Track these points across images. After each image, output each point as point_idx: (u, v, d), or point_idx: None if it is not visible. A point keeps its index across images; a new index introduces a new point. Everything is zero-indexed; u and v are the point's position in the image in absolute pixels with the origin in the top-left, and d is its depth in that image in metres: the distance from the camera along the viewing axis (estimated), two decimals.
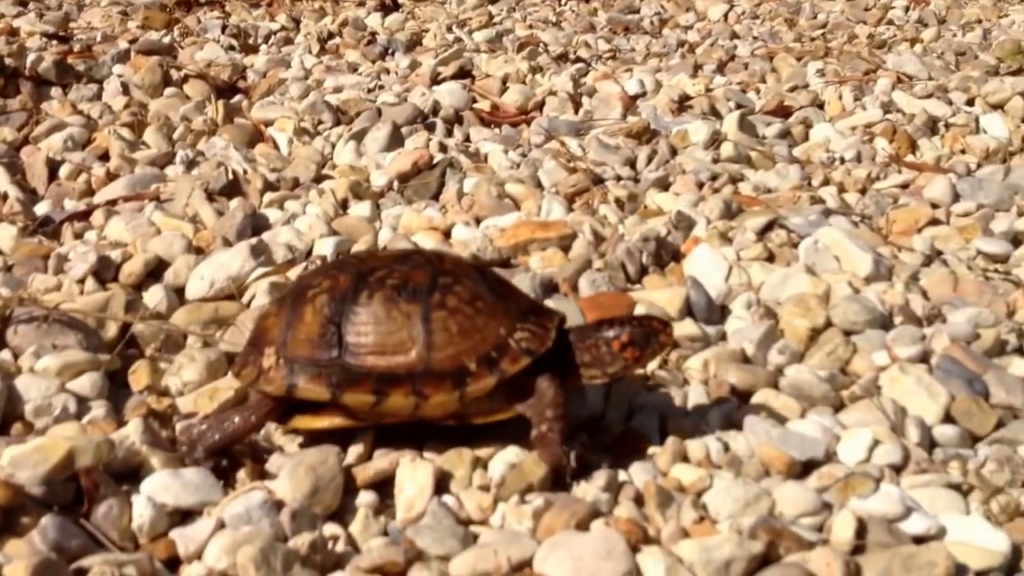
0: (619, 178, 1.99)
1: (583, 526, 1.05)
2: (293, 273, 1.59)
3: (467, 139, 2.28)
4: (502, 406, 1.16)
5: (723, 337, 1.45)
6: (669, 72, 2.70)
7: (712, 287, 1.56)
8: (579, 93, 2.49)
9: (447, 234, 1.76)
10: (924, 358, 1.36)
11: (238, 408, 1.20)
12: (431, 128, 2.29)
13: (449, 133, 2.30)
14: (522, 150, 2.16)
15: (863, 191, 2.01)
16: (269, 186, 1.96)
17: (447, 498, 1.12)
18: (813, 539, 1.05)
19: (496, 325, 1.15)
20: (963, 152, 2.24)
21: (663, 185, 1.97)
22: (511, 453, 1.16)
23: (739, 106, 2.44)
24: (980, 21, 3.36)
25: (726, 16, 3.41)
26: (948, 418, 1.27)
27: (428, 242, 1.71)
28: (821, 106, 2.50)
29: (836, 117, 2.43)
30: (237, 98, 2.51)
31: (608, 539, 1.01)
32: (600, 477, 1.12)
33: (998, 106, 2.45)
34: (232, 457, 1.17)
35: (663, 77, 2.65)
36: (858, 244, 1.65)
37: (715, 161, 2.11)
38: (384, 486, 1.14)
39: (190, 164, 2.07)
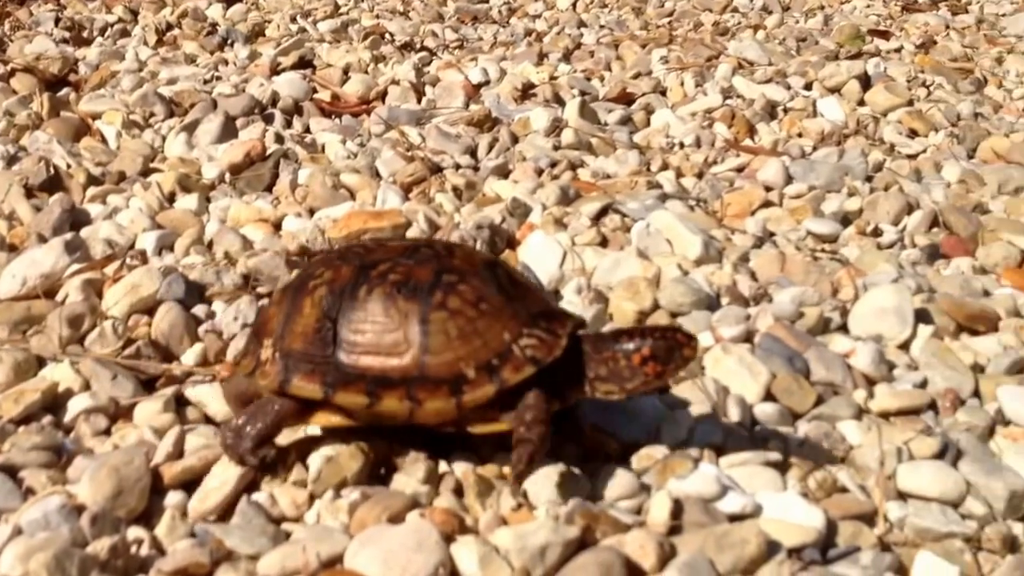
0: (458, 166, 1.97)
1: (398, 519, 1.03)
2: (110, 269, 1.52)
3: (307, 130, 2.23)
4: (497, 416, 1.09)
5: None
6: (514, 61, 2.69)
7: (545, 273, 1.55)
8: (422, 82, 2.46)
9: (277, 226, 1.71)
10: (748, 338, 1.38)
11: (259, 404, 1.12)
12: (269, 119, 2.23)
13: (288, 124, 2.24)
14: (361, 140, 2.12)
15: (700, 175, 2.03)
16: (93, 180, 1.87)
17: (259, 495, 1.08)
18: (630, 522, 1.04)
19: (500, 329, 1.08)
20: (800, 135, 2.29)
21: (503, 173, 1.96)
22: (329, 447, 1.12)
23: (583, 93, 2.45)
24: (822, 7, 3.44)
25: (574, 5, 3.42)
26: (769, 396, 1.28)
27: (257, 234, 1.66)
28: (664, 93, 2.52)
29: (678, 103, 2.45)
30: (65, 91, 2.40)
31: (420, 531, 0.99)
32: (420, 469, 1.10)
33: (835, 90, 2.51)
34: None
35: (508, 66, 2.63)
36: (689, 227, 1.66)
37: (556, 148, 2.10)
38: (195, 485, 1.10)
39: (11, 160, 1.96)
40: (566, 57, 2.80)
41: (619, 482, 1.09)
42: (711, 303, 1.47)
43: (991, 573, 1.04)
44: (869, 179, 1.98)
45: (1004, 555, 1.05)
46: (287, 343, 1.09)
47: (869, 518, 1.10)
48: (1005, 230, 1.71)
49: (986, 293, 1.56)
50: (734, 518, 1.07)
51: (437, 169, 1.93)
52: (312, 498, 1.08)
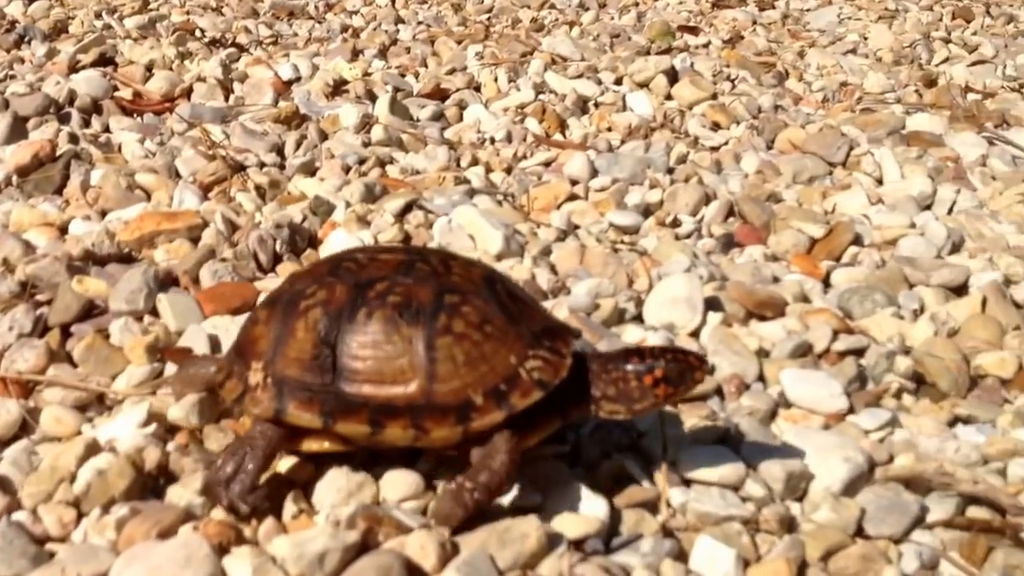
0: (263, 165, 1.92)
1: (169, 534, 0.99)
2: None
3: (106, 129, 2.14)
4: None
5: None
6: (327, 57, 2.65)
7: None
8: (230, 79, 2.39)
9: (64, 230, 1.64)
10: None
11: (245, 439, 1.05)
12: (65, 119, 2.13)
13: (86, 124, 2.15)
14: (161, 139, 2.05)
15: (509, 170, 2.04)
16: None
17: (20, 515, 1.02)
18: (414, 523, 1.03)
19: (507, 352, 1.04)
20: (609, 129, 2.32)
21: (309, 170, 1.92)
22: (102, 459, 1.08)
23: (397, 90, 2.42)
24: (636, 4, 3.50)
25: (393, 1, 3.39)
26: None
27: (41, 239, 1.59)
28: (478, 88, 2.52)
29: (492, 99, 2.45)
30: None
31: (190, 545, 0.95)
32: (197, 480, 1.06)
33: (644, 84, 2.55)
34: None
35: (321, 62, 2.59)
36: (491, 222, 1.66)
37: (365, 145, 2.08)
38: None
39: None
40: (382, 53, 2.77)
41: (405, 483, 1.08)
42: None
43: (767, 553, 1.06)
44: (671, 171, 2.02)
45: (781, 535, 1.08)
46: (280, 368, 1.04)
47: (653, 505, 1.12)
48: (796, 218, 1.77)
49: (776, 279, 1.60)
50: (520, 512, 1.07)
51: (240, 168, 1.88)
52: (81, 516, 1.03)
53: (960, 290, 1.57)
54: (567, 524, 1.05)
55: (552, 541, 1.01)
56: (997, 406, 1.30)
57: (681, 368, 1.07)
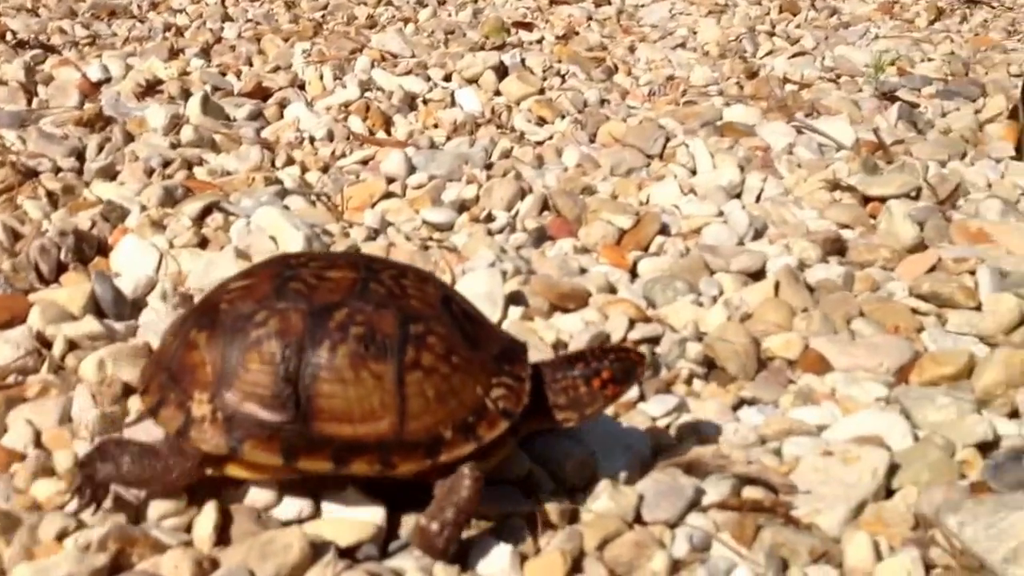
0: (59, 170, 1.84)
1: None
2: None
3: None
4: None
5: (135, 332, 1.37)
6: (143, 56, 2.56)
7: (134, 280, 1.46)
8: (34, 81, 2.29)
9: None
10: None
11: (155, 446, 1.00)
12: None
13: None
14: None
15: (325, 169, 2.00)
16: None
17: None
18: (172, 541, 0.98)
19: (473, 384, 1.01)
20: (436, 126, 2.30)
21: (109, 174, 1.85)
22: None
23: (216, 89, 2.36)
24: (475, 0, 3.49)
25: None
26: None
27: None
28: (303, 87, 2.48)
29: (317, 97, 2.41)
30: None
31: None
32: None
33: (472, 80, 2.54)
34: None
35: (135, 62, 2.51)
36: (293, 223, 1.62)
37: (174, 146, 2.01)
38: None
39: None
40: (204, 52, 2.70)
41: (165, 500, 1.03)
42: None
43: (547, 546, 1.05)
44: (489, 167, 2.01)
45: (563, 527, 1.07)
46: (231, 402, 0.98)
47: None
48: (606, 210, 1.77)
49: (583, 271, 1.61)
50: (295, 523, 1.04)
51: (33, 174, 1.79)
52: None
53: (758, 275, 1.59)
54: (342, 531, 1.02)
55: (319, 550, 0.98)
56: (781, 387, 1.32)
57: (625, 366, 1.08)
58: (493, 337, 1.08)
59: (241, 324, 1.00)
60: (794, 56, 2.90)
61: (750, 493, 1.11)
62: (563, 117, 2.34)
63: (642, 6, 3.49)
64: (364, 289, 1.01)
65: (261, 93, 2.39)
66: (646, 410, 1.26)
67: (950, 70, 2.77)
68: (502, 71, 2.57)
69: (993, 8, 3.74)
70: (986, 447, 1.15)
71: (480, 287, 1.46)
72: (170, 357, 1.03)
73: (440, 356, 1.00)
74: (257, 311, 1.00)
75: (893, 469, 1.12)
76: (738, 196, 1.92)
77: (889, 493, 1.11)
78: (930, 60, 2.89)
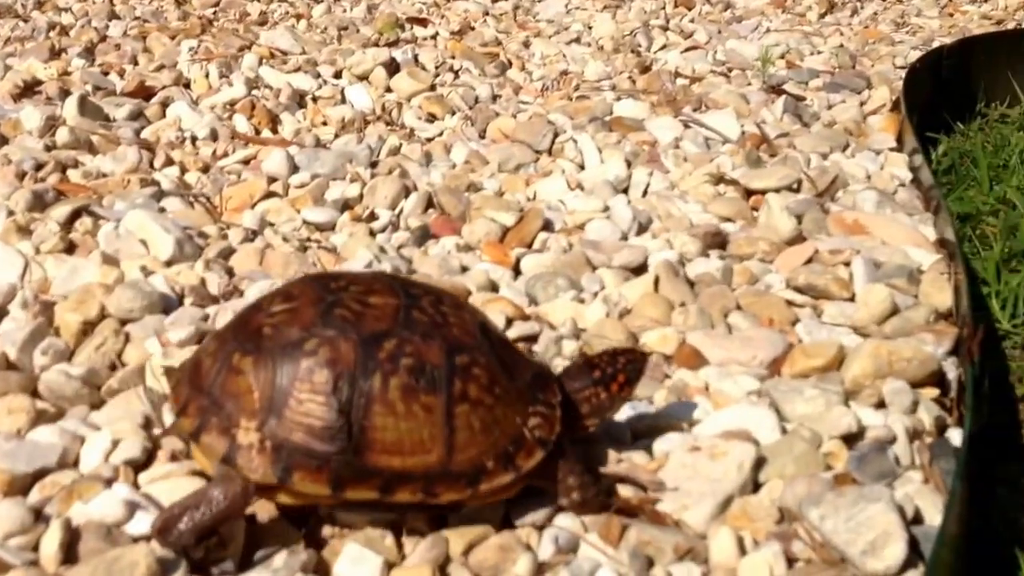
0: None
1: None
2: None
3: None
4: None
5: None
6: (22, 57, 2.48)
7: None
8: None
9: None
10: (201, 340, 1.31)
11: (215, 481, 0.98)
12: None
13: None
14: None
15: (206, 169, 1.96)
16: None
17: None
18: (16, 560, 0.95)
19: (513, 414, 1.03)
20: (324, 124, 2.26)
21: None
22: None
23: (97, 89, 2.30)
24: None
25: None
26: None
27: None
28: (188, 85, 2.42)
29: (203, 95, 2.36)
30: None
31: None
32: None
33: (363, 77, 2.51)
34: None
35: (14, 62, 2.43)
36: (163, 225, 1.58)
37: (49, 149, 1.95)
38: None
39: None
40: (88, 51, 2.62)
41: (10, 516, 0.99)
42: (168, 305, 1.39)
43: (413, 553, 1.04)
44: (374, 165, 1.99)
45: (429, 532, 1.05)
46: (280, 431, 0.97)
47: (304, 517, 1.07)
48: (490, 207, 1.76)
49: (464, 269, 1.59)
50: (147, 539, 1.01)
51: None
52: None
53: (640, 270, 1.59)
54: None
55: (168, 567, 0.95)
56: (658, 382, 1.32)
57: (636, 367, 1.12)
58: (524, 364, 1.10)
59: (290, 351, 0.99)
60: (687, 50, 2.91)
61: (621, 492, 1.10)
62: (453, 113, 2.32)
63: (539, 1, 3.49)
64: (408, 317, 1.02)
65: (144, 92, 2.33)
66: None
67: (838, 63, 2.80)
68: (394, 67, 2.54)
69: (883, 0, 3.81)
70: (851, 438, 1.16)
71: None
72: (211, 380, 1.01)
73: (484, 388, 1.02)
74: (306, 338, 0.99)
75: (761, 463, 1.12)
76: (625, 191, 1.93)
77: (756, 487, 1.11)
78: (819, 53, 2.93)
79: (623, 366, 1.11)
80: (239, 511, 0.99)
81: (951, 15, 3.64)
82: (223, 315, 1.36)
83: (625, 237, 1.72)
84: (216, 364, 1.02)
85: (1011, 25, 3.41)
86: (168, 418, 1.15)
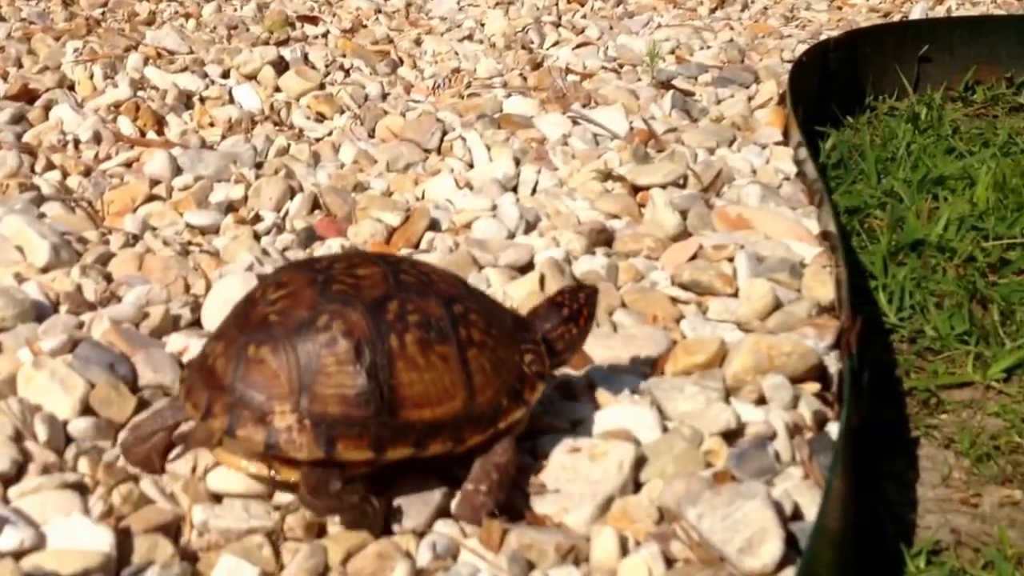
0: None
1: None
2: None
3: None
4: None
5: None
6: None
7: None
8: None
9: None
10: (74, 347, 1.28)
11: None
12: None
13: None
14: None
15: (87, 173, 1.90)
16: None
17: None
18: None
19: (511, 353, 1.09)
20: (211, 124, 2.22)
21: None
22: None
23: None
24: None
25: None
26: (89, 410, 1.19)
27: None
28: (72, 87, 2.35)
29: (87, 97, 2.29)
30: None
31: None
32: None
33: (251, 76, 2.47)
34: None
35: None
36: (39, 231, 1.53)
37: None
38: None
39: None
40: None
41: None
42: (42, 313, 1.35)
43: (290, 562, 1.02)
44: (259, 166, 1.96)
45: (308, 541, 1.04)
46: (316, 407, 1.01)
47: (175, 527, 1.05)
48: (376, 207, 1.74)
49: None
50: (17, 555, 0.97)
51: None
52: None
53: (526, 269, 1.59)
54: (65, 561, 0.96)
55: None
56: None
57: (593, 300, 1.19)
58: (502, 309, 1.18)
59: (305, 331, 1.02)
60: (579, 46, 2.93)
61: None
62: (343, 112, 2.29)
63: None
64: (398, 280, 1.07)
65: (27, 95, 2.26)
66: None
67: (727, 57, 2.84)
68: (283, 66, 2.50)
69: None
70: (732, 435, 1.18)
71: (234, 292, 1.39)
72: (231, 377, 1.03)
73: (484, 331, 1.08)
74: (316, 315, 1.03)
75: (642, 463, 1.12)
76: (514, 189, 1.92)
77: (638, 487, 1.11)
78: (709, 48, 2.96)
79: (585, 300, 1.18)
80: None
81: (840, 8, 3.71)
82: (98, 323, 1.32)
83: (512, 236, 1.71)
84: (231, 361, 1.04)
85: (897, 17, 3.49)
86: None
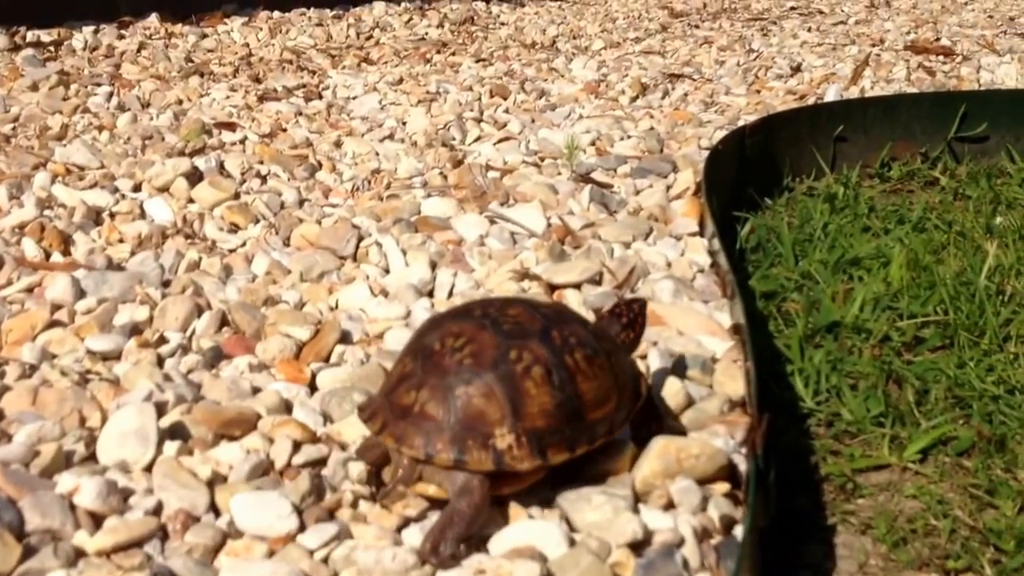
0: None
1: None
2: None
3: None
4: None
5: None
6: None
7: None
8: None
9: None
10: None
11: (457, 498, 1.18)
12: None
13: None
14: None
15: None
16: None
17: None
18: None
19: (625, 360, 1.35)
20: (120, 241, 2.18)
21: None
22: None
23: None
24: (180, 102, 3.38)
25: None
26: None
27: None
28: None
29: None
30: None
31: None
32: None
33: (164, 189, 2.44)
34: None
35: None
36: None
37: None
38: None
39: None
40: None
41: None
42: None
43: None
44: (166, 284, 1.91)
45: None
46: (527, 424, 1.20)
47: None
48: (285, 322, 1.71)
49: (256, 391, 1.53)
50: None
51: None
52: None
53: None
54: None
55: None
56: None
57: (643, 308, 1.41)
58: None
59: (502, 366, 1.21)
60: (500, 141, 2.94)
61: None
62: (257, 222, 2.26)
63: (353, 98, 3.47)
64: (542, 314, 1.28)
65: None
66: (303, 542, 1.19)
67: (646, 147, 2.86)
68: (197, 177, 2.48)
69: (693, 80, 3.93)
70: (639, 545, 1.14)
71: (130, 423, 1.35)
72: (445, 417, 1.21)
73: (613, 344, 1.33)
74: (507, 351, 1.22)
75: None
76: (430, 293, 1.90)
77: None
78: (629, 138, 2.98)
79: (638, 310, 1.40)
80: (484, 512, 1.18)
81: (758, 91, 3.77)
82: None
83: None
84: (443, 401, 1.21)
85: (812, 100, 3.56)
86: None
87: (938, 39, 4.88)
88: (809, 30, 5.18)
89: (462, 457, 1.18)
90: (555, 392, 1.22)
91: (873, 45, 4.71)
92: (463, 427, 1.20)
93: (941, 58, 4.40)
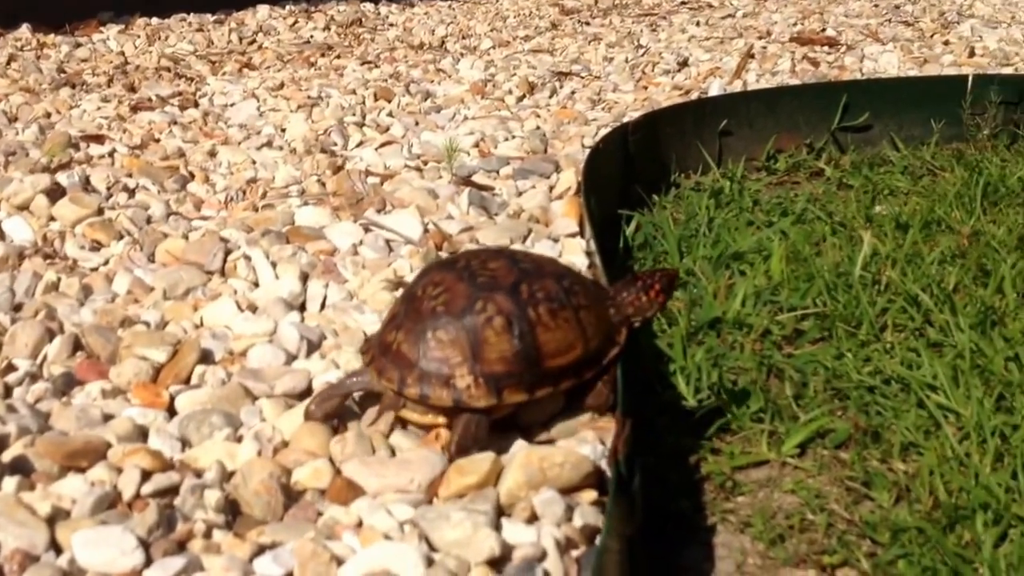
0: None
1: None
2: None
3: None
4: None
5: None
6: None
7: None
8: None
9: None
10: None
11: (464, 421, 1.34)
12: None
13: None
14: None
15: None
16: None
17: None
18: None
19: (603, 310, 1.46)
20: None
21: None
22: None
23: None
24: (49, 115, 3.23)
25: None
26: None
27: None
28: None
29: None
30: None
31: None
32: None
33: (23, 207, 2.32)
34: None
35: None
36: None
37: None
38: None
39: None
40: None
41: None
42: None
43: None
44: (17, 308, 1.81)
45: None
46: (485, 368, 1.33)
47: None
48: (140, 344, 1.62)
49: (108, 418, 1.45)
50: None
51: None
52: None
53: (305, 395, 1.49)
54: None
55: None
56: (311, 523, 1.22)
57: (669, 279, 1.49)
58: (588, 280, 1.54)
59: (469, 314, 1.35)
60: (382, 145, 2.87)
61: None
62: (121, 238, 2.16)
63: (231, 105, 3.37)
64: (520, 268, 1.40)
65: None
66: None
67: (530, 147, 2.82)
68: (59, 193, 2.36)
69: (582, 78, 3.91)
70: (499, 561, 1.10)
71: None
72: (417, 354, 1.35)
73: (585, 297, 1.42)
74: (474, 302, 1.35)
75: None
76: (301, 307, 1.83)
77: None
78: (514, 138, 2.94)
79: (659, 278, 1.48)
80: (479, 425, 1.33)
81: (645, 88, 3.76)
82: None
83: (294, 359, 1.62)
84: (415, 345, 1.36)
85: (696, 95, 3.56)
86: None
87: (824, 30, 4.94)
88: (698, 24, 5.20)
89: (426, 392, 1.33)
90: (514, 341, 1.34)
91: (760, 37, 4.75)
92: (430, 367, 1.34)
93: (826, 49, 4.45)
